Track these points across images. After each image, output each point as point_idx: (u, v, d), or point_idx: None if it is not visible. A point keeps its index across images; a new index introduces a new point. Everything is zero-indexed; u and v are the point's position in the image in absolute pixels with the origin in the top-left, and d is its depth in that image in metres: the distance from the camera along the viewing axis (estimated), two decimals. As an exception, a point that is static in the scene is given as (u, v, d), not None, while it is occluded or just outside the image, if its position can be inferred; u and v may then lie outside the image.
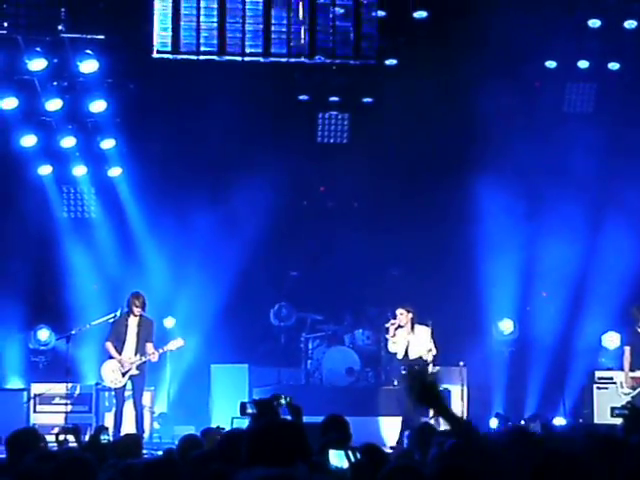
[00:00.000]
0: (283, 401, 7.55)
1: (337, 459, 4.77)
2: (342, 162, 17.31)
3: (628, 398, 14.06)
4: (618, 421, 10.06)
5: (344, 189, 17.76)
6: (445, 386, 15.65)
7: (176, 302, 16.80)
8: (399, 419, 14.33)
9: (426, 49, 16.09)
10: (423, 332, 14.53)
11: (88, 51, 15.21)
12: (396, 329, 14.38)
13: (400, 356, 14.48)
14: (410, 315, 14.46)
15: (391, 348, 14.64)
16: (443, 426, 7.90)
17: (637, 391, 14.14)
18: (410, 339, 14.40)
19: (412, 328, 14.47)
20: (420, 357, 14.43)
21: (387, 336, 14.67)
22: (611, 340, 16.19)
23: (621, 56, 16.67)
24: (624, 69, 16.70)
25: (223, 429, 8.21)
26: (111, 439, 8.12)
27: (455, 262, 16.60)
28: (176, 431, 15.04)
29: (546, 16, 15.78)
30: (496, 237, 16.64)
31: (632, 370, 14.25)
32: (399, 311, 14.49)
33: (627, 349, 14.52)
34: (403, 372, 14.32)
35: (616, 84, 16.75)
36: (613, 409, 11.23)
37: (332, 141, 17.57)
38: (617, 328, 15.89)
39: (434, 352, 14.54)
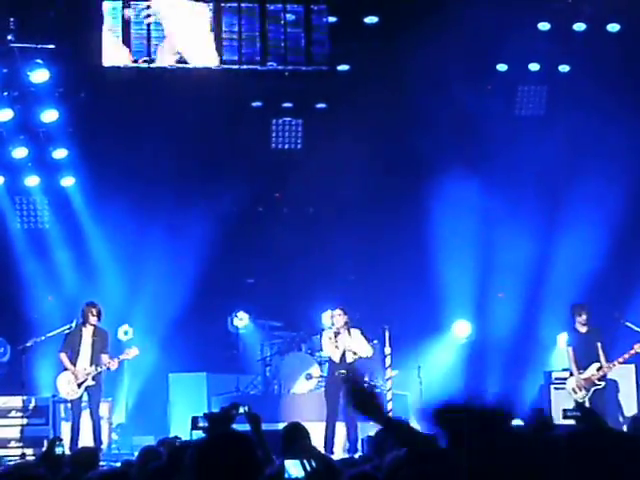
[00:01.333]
0: (241, 410, 7.52)
1: (294, 468, 4.76)
2: (297, 168, 17.32)
3: (585, 401, 14.07)
4: (571, 422, 10.10)
5: (299, 195, 17.76)
6: (402, 392, 15.72)
7: (132, 311, 16.71)
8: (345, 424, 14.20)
9: (378, 54, 16.16)
10: (357, 334, 14.28)
11: (38, 60, 15.09)
12: (336, 332, 14.21)
13: (337, 360, 14.17)
14: (346, 317, 14.29)
15: (327, 351, 14.34)
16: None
17: (590, 392, 14.18)
18: (348, 341, 14.14)
19: (349, 331, 14.33)
20: (354, 361, 14.19)
21: (327, 338, 14.38)
22: (565, 341, 16.30)
23: (571, 58, 16.84)
24: (574, 71, 16.87)
25: (180, 439, 8.17)
26: (67, 451, 8.04)
27: (411, 265, 16.66)
28: (135, 441, 14.96)
29: (496, 20, 15.90)
30: (452, 239, 16.72)
31: (579, 372, 14.27)
32: (337, 312, 14.28)
33: (570, 350, 14.53)
34: (341, 377, 14.03)
35: (567, 86, 16.90)
36: (565, 411, 11.27)
37: (286, 147, 17.57)
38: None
39: (371, 353, 14.35)
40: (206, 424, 6.94)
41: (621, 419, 14.75)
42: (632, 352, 14.24)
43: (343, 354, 14.07)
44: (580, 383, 14.21)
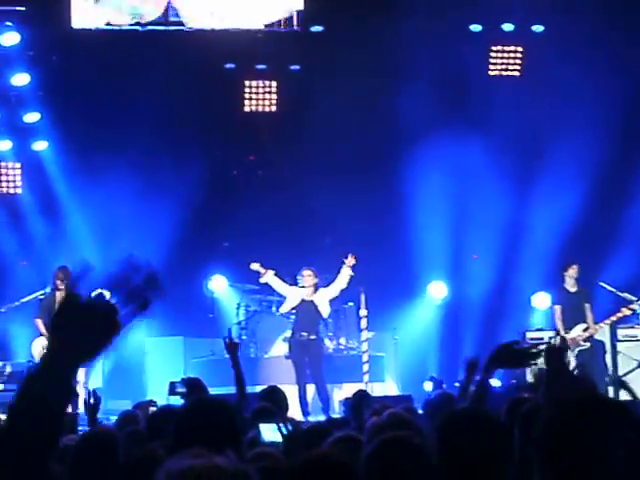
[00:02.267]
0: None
1: (270, 433, 4.76)
2: (271, 130, 17.23)
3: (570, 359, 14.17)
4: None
5: (274, 157, 17.68)
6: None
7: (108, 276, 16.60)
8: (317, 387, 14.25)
9: (352, 15, 16.05)
10: (323, 292, 14.30)
11: (8, 23, 14.92)
12: (292, 285, 14.22)
13: (285, 310, 14.38)
14: (316, 279, 14.29)
15: (286, 307, 14.44)
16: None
17: (575, 352, 14.26)
18: (315, 300, 14.18)
19: (315, 292, 14.27)
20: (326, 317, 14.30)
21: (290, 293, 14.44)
22: (541, 300, 16.37)
23: (545, 19, 16.80)
24: (548, 32, 16.84)
25: (155, 403, 8.16)
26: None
27: (387, 227, 16.68)
28: (111, 405, 14.95)
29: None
30: (427, 201, 16.73)
31: (566, 331, 14.36)
32: (307, 272, 14.26)
33: (557, 308, 14.59)
34: (303, 337, 14.09)
35: (541, 47, 16.87)
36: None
37: (260, 109, 17.46)
38: (546, 288, 16.08)
39: (326, 314, 14.35)
40: (184, 390, 6.95)
41: (607, 380, 14.88)
42: (620, 315, 14.33)
43: (312, 312, 14.08)
44: (565, 343, 14.29)
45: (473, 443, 3.52)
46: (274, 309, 16.33)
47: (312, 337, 14.07)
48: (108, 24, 15.52)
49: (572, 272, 14.56)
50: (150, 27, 15.75)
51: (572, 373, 6.20)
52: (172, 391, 7.39)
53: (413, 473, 3.75)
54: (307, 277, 14.18)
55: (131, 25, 15.76)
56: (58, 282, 13.91)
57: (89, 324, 2.23)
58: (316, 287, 14.24)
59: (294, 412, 11.57)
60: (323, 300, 14.27)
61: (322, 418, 12.33)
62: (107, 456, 4.69)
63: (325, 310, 14.28)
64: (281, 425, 4.64)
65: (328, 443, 4.65)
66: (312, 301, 14.19)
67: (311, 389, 14.14)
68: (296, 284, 14.40)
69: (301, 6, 16.02)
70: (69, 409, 12.77)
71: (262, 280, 14.57)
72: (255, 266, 14.55)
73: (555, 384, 4.97)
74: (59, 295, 14.02)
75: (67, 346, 2.22)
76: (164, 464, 2.22)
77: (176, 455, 2.29)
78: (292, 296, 14.38)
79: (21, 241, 16.83)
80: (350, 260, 14.16)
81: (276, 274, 14.57)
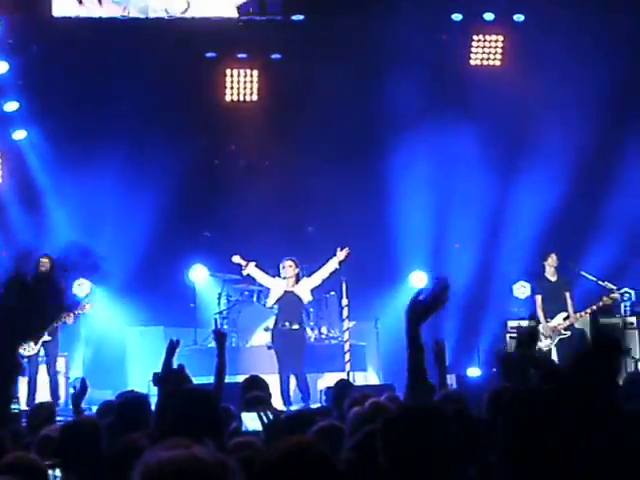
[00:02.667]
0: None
1: (252, 421, 4.75)
2: (252, 119, 17.19)
3: (551, 349, 14.21)
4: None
5: (255, 147, 17.64)
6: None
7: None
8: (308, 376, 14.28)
9: (332, 3, 16.03)
10: (304, 282, 14.27)
11: (-13, 11, 14.81)
12: (274, 276, 14.23)
13: (270, 304, 14.33)
14: (297, 270, 14.28)
15: (272, 301, 14.43)
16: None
17: (555, 340, 14.31)
18: (296, 290, 14.14)
19: (297, 282, 14.26)
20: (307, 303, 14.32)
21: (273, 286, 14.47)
22: (521, 289, 16.42)
23: (526, 8, 16.82)
24: (529, 21, 16.85)
25: (135, 392, 8.13)
26: (23, 407, 7.98)
27: (369, 216, 16.67)
28: (93, 395, 14.91)
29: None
30: (409, 190, 16.74)
31: (547, 320, 14.40)
32: (287, 263, 14.22)
33: (538, 298, 14.64)
34: (286, 327, 14.11)
35: (522, 36, 16.89)
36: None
37: (241, 98, 17.41)
38: (527, 277, 16.12)
39: (307, 300, 14.36)
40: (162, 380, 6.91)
41: None
42: (600, 304, 14.38)
43: (293, 301, 14.08)
44: (546, 331, 14.32)
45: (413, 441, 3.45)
46: (255, 299, 16.31)
47: (295, 327, 14.06)
48: (88, 12, 15.41)
49: (551, 261, 14.61)
50: (131, 15, 15.66)
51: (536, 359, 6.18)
52: (155, 381, 7.34)
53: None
54: (288, 268, 14.14)
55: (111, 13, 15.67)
56: (41, 268, 13.82)
57: (34, 302, 2.22)
58: (298, 277, 14.22)
59: (275, 401, 11.56)
60: (305, 290, 14.26)
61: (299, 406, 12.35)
62: (89, 446, 4.67)
63: (306, 298, 14.27)
64: (262, 414, 4.63)
65: (311, 432, 4.65)
66: (293, 292, 14.17)
67: (292, 379, 14.13)
68: (279, 275, 14.37)
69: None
70: (48, 398, 12.74)
71: (244, 272, 14.54)
72: (236, 259, 14.52)
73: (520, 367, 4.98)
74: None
75: (9, 323, 2.19)
76: (143, 455, 2.21)
77: (156, 446, 2.28)
78: (275, 288, 14.35)
79: (0, 231, 16.73)
80: (342, 254, 14.14)
81: (257, 265, 14.54)
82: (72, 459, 4.61)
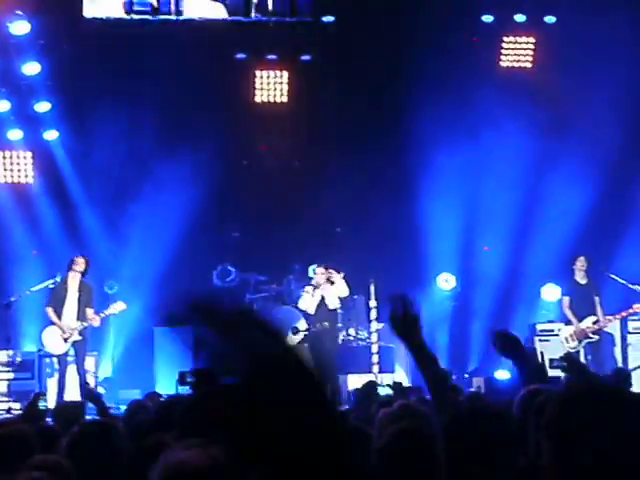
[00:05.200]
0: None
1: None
2: (281, 120, 17.21)
3: (578, 351, 14.11)
4: (557, 372, 10.16)
5: (284, 148, 17.66)
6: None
7: (118, 266, 16.65)
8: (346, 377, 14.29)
9: (362, 5, 16.01)
10: (337, 279, 14.27)
11: (18, 12, 14.90)
12: (314, 289, 14.22)
13: (312, 311, 14.22)
14: (328, 275, 14.25)
15: (303, 305, 14.38)
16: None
17: (583, 343, 14.21)
18: (324, 294, 14.17)
19: (330, 283, 14.21)
20: (330, 312, 14.22)
21: (305, 292, 14.40)
22: (550, 292, 16.34)
23: (557, 9, 16.73)
24: (560, 22, 16.76)
25: (160, 395, 8.18)
26: (52, 405, 8.02)
27: (397, 218, 16.64)
28: (121, 395, 14.99)
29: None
30: (438, 192, 16.68)
31: (578, 320, 14.30)
32: (319, 270, 14.24)
33: (566, 300, 14.56)
34: (318, 328, 14.07)
35: (553, 37, 16.80)
36: (552, 360, 11.35)
37: (271, 99, 17.43)
38: (556, 280, 16.03)
39: (346, 292, 14.33)
40: (193, 380, 6.95)
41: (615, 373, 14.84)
42: (630, 311, 14.30)
43: (320, 305, 14.06)
44: (574, 333, 14.22)
45: (476, 435, 3.50)
46: (283, 300, 16.33)
47: (325, 324, 14.05)
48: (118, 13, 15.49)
49: (580, 264, 14.55)
50: (161, 17, 15.72)
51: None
52: (182, 381, 7.38)
53: (424, 463, 3.75)
54: (320, 274, 14.18)
55: (142, 15, 15.73)
56: (73, 272, 13.91)
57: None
58: (329, 282, 14.20)
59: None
60: (335, 289, 14.21)
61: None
62: (103, 446, 4.67)
63: (341, 290, 14.22)
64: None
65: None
66: (323, 296, 14.14)
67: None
68: (307, 278, 14.39)
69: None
70: (78, 396, 12.80)
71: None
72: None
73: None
74: (71, 285, 14.01)
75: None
76: (161, 456, 2.21)
77: (174, 447, 2.28)
78: (306, 303, 14.32)
79: (32, 230, 16.85)
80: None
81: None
82: (82, 460, 4.61)
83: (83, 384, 13.88)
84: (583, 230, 16.21)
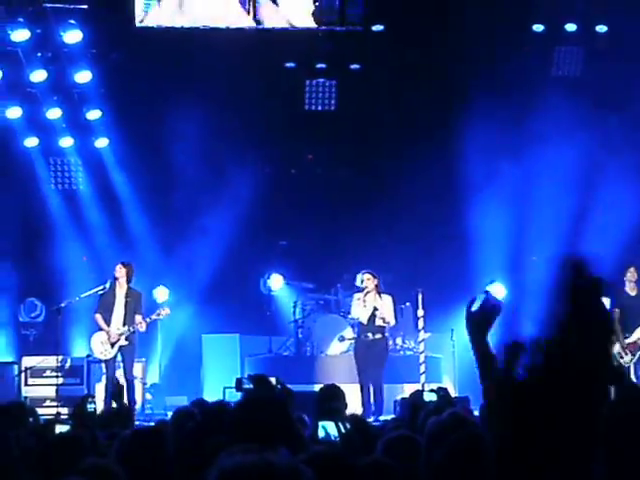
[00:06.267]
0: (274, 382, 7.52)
1: (329, 429, 4.75)
2: (330, 129, 17.24)
3: (630, 365, 13.93)
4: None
5: (332, 157, 17.69)
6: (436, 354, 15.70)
7: (166, 273, 16.75)
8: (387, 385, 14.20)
9: (412, 14, 16.00)
10: (388, 300, 14.19)
11: (71, 21, 15.07)
12: (365, 295, 14.16)
13: (365, 321, 14.08)
14: (376, 281, 14.21)
15: (355, 313, 14.26)
16: None
17: (637, 356, 14.03)
18: (377, 304, 14.04)
19: (379, 295, 14.18)
20: (383, 325, 14.04)
21: (355, 300, 14.34)
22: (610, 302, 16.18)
23: (608, 19, 16.61)
24: (612, 32, 16.64)
25: (207, 402, 8.19)
26: (99, 409, 8.08)
27: (444, 227, 16.58)
28: (168, 402, 15.07)
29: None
30: (486, 202, 16.61)
31: (624, 336, 14.13)
32: (366, 276, 14.13)
33: (616, 312, 14.36)
34: (369, 338, 13.99)
35: (604, 47, 16.67)
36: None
37: (320, 108, 17.47)
38: (606, 291, 15.83)
39: (393, 323, 14.29)
40: (250, 386, 6.95)
41: None
42: None
43: (372, 316, 14.01)
44: (627, 346, 14.05)
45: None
46: (331, 308, 16.34)
47: (377, 337, 14.00)
48: (168, 22, 15.61)
49: (630, 275, 14.38)
50: (211, 25, 15.82)
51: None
52: (239, 387, 7.41)
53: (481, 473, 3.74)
54: (366, 280, 14.13)
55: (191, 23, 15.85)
56: (118, 274, 14.02)
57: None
58: (377, 289, 14.13)
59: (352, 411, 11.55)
60: (387, 306, 14.13)
61: (371, 419, 12.30)
62: (153, 452, 4.69)
63: (388, 316, 14.11)
64: (340, 423, 4.63)
65: (382, 442, 4.62)
66: (376, 307, 14.07)
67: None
68: (355, 286, 14.35)
69: None
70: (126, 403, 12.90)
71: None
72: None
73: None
74: (119, 291, 14.13)
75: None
76: (217, 460, 2.22)
77: (229, 451, 2.28)
78: (359, 311, 14.24)
79: (81, 236, 17.01)
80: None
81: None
82: (132, 465, 4.63)
83: (131, 390, 13.96)
84: (633, 241, 16.04)
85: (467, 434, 3.84)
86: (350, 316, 14.70)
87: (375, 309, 13.97)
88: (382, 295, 14.13)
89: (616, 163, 16.37)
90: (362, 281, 14.17)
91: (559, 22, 16.71)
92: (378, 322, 14.01)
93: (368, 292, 14.02)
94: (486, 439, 3.90)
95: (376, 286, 14.08)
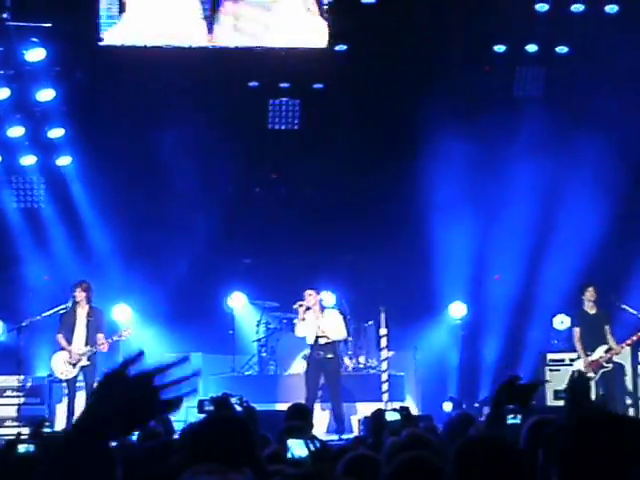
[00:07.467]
0: (235, 400, 7.51)
1: (297, 448, 4.75)
2: (294, 148, 17.28)
3: (591, 383, 14.01)
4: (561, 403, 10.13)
5: (297, 175, 17.72)
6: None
7: (128, 292, 16.67)
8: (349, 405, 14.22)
9: (375, 34, 16.09)
10: (334, 316, 14.20)
11: (34, 39, 15.02)
12: (305, 311, 14.15)
13: (310, 341, 14.05)
14: (318, 297, 14.20)
15: (299, 332, 14.28)
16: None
17: (598, 374, 14.10)
18: (320, 323, 14.01)
19: (321, 311, 14.18)
20: (331, 342, 14.06)
21: (295, 320, 14.36)
22: (561, 322, 16.30)
23: (569, 40, 16.79)
24: (572, 53, 16.82)
25: (171, 421, 8.17)
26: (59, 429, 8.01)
27: (407, 246, 16.64)
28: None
29: (494, 0, 15.89)
30: (449, 219, 16.69)
31: (586, 354, 14.23)
32: (308, 292, 14.12)
33: (577, 331, 14.46)
34: (320, 356, 13.96)
35: (565, 68, 16.85)
36: (556, 392, 11.26)
37: (283, 127, 17.50)
38: (567, 310, 15.98)
39: (343, 336, 14.29)
40: (211, 407, 6.95)
41: (629, 401, 14.78)
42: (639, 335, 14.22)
43: (318, 335, 13.98)
44: (589, 365, 14.12)
45: (489, 468, 3.49)
46: (294, 327, 16.31)
47: (329, 356, 13.99)
48: (132, 40, 15.60)
49: (589, 294, 14.48)
50: (174, 44, 15.83)
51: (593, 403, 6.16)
52: (201, 409, 7.38)
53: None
54: (308, 296, 14.11)
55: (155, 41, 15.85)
56: (77, 296, 13.95)
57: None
58: (319, 305, 14.12)
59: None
60: (331, 321, 14.09)
61: (334, 437, 12.30)
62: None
63: (333, 331, 14.06)
64: (309, 442, 4.63)
65: (344, 460, 4.63)
66: (318, 325, 14.03)
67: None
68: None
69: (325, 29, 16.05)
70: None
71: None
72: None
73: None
74: (80, 310, 14.04)
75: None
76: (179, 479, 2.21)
77: (190, 471, 2.28)
78: (302, 330, 14.21)
79: (43, 255, 16.90)
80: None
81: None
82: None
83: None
84: (593, 259, 16.18)
85: (415, 455, 3.85)
86: (296, 334, 14.64)
87: (318, 328, 13.96)
88: (325, 311, 14.14)
89: (578, 182, 16.52)
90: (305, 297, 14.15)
91: (520, 43, 16.87)
92: (322, 340, 13.99)
93: (308, 308, 14.02)
94: (438, 458, 3.92)
95: (319, 302, 14.08)
